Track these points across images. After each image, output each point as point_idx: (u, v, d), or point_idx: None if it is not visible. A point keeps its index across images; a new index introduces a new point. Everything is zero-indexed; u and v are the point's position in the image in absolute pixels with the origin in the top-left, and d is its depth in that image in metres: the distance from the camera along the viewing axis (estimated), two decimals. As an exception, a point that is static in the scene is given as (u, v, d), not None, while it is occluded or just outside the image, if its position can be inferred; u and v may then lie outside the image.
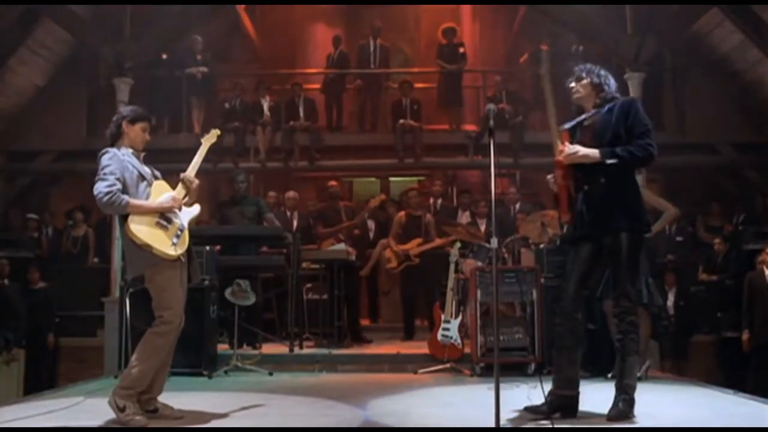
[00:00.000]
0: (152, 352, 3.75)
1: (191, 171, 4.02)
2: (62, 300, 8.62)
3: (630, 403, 3.66)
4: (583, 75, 3.97)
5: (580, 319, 3.84)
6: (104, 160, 3.82)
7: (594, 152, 3.73)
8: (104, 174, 3.75)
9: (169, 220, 3.82)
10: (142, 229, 3.71)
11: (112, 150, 3.88)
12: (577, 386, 3.78)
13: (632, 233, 3.74)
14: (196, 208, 4.02)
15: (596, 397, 3.98)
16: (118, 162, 3.81)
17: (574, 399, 3.76)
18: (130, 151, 3.93)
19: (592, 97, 3.94)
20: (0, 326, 7.86)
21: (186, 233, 3.87)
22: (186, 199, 3.98)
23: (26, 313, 8.08)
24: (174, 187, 3.96)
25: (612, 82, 3.96)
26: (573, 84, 3.99)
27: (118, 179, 3.74)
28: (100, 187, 3.70)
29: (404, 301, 7.89)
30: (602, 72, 3.98)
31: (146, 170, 3.94)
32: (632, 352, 3.70)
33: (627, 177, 3.81)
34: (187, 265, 3.96)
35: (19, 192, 10.21)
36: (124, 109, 4.09)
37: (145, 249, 3.70)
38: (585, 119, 3.94)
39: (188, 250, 3.93)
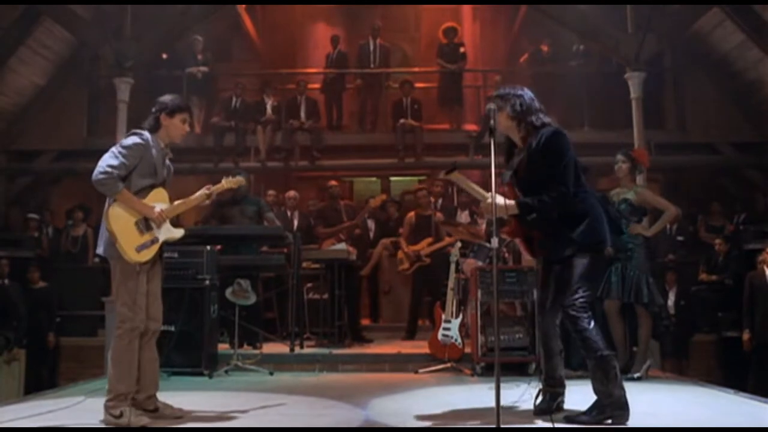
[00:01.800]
0: (120, 356, 3.68)
1: (215, 191, 4.06)
2: (63, 299, 8.63)
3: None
4: (501, 105, 3.70)
5: (558, 325, 3.83)
6: (130, 140, 3.76)
7: (511, 204, 3.60)
8: (119, 152, 3.70)
9: (148, 228, 3.78)
10: (119, 220, 3.68)
11: (147, 138, 3.80)
12: (564, 383, 3.87)
13: (574, 258, 3.61)
14: (178, 232, 3.96)
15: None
16: (142, 152, 3.74)
17: (563, 394, 3.85)
18: (162, 144, 3.89)
19: (514, 128, 3.73)
20: (0, 326, 7.87)
21: (156, 246, 3.80)
22: (206, 198, 3.98)
23: (27, 312, 8.08)
24: (177, 197, 3.97)
25: (535, 106, 3.69)
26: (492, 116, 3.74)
27: (126, 166, 3.68)
28: (104, 163, 3.66)
29: (412, 301, 7.84)
30: (521, 95, 3.70)
31: (164, 167, 3.91)
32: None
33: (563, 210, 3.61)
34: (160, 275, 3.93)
35: (19, 191, 10.22)
36: (163, 100, 3.92)
37: (111, 238, 3.67)
38: (516, 162, 3.73)
39: (161, 261, 3.92)
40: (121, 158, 3.69)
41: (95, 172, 3.65)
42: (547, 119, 3.69)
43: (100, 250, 3.81)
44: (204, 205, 4.12)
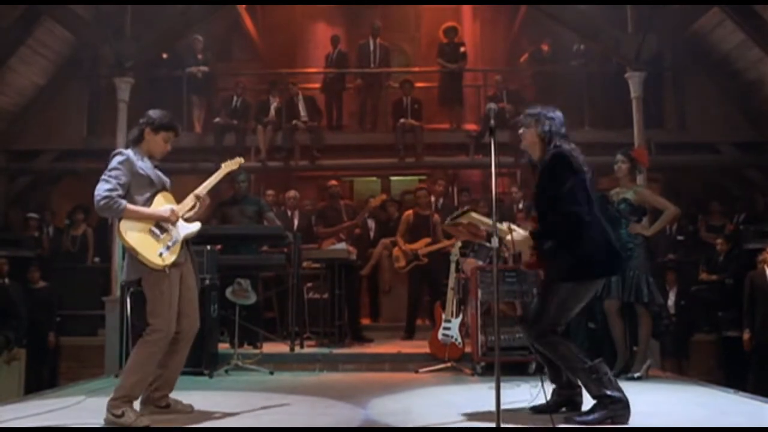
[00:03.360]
0: (143, 362, 3.71)
1: (203, 189, 4.04)
2: (63, 299, 8.64)
3: None
4: (531, 123, 3.75)
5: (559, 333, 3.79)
6: (114, 161, 3.77)
7: (525, 236, 3.67)
8: (109, 176, 3.71)
9: (163, 230, 3.79)
10: (132, 233, 3.69)
11: (128, 153, 3.82)
12: (574, 384, 3.80)
13: (568, 282, 3.62)
14: (195, 226, 3.98)
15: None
16: (128, 167, 3.75)
17: (577, 394, 3.80)
18: (145, 157, 3.89)
19: (537, 147, 3.77)
20: (1, 325, 7.87)
21: (178, 245, 3.82)
22: (191, 213, 3.97)
23: (27, 312, 8.07)
24: (176, 197, 3.96)
25: (562, 132, 3.70)
26: (521, 130, 3.82)
27: (120, 185, 3.69)
28: (100, 189, 3.67)
29: (410, 300, 7.85)
30: (554, 118, 3.71)
31: (158, 174, 3.91)
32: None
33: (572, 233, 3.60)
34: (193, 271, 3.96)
35: (19, 191, 10.22)
36: (152, 114, 3.94)
37: (131, 253, 3.70)
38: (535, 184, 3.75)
39: (191, 257, 3.95)
40: (113, 180, 3.69)
41: (95, 202, 3.66)
42: (566, 145, 3.67)
43: (124, 277, 3.86)
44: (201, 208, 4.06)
